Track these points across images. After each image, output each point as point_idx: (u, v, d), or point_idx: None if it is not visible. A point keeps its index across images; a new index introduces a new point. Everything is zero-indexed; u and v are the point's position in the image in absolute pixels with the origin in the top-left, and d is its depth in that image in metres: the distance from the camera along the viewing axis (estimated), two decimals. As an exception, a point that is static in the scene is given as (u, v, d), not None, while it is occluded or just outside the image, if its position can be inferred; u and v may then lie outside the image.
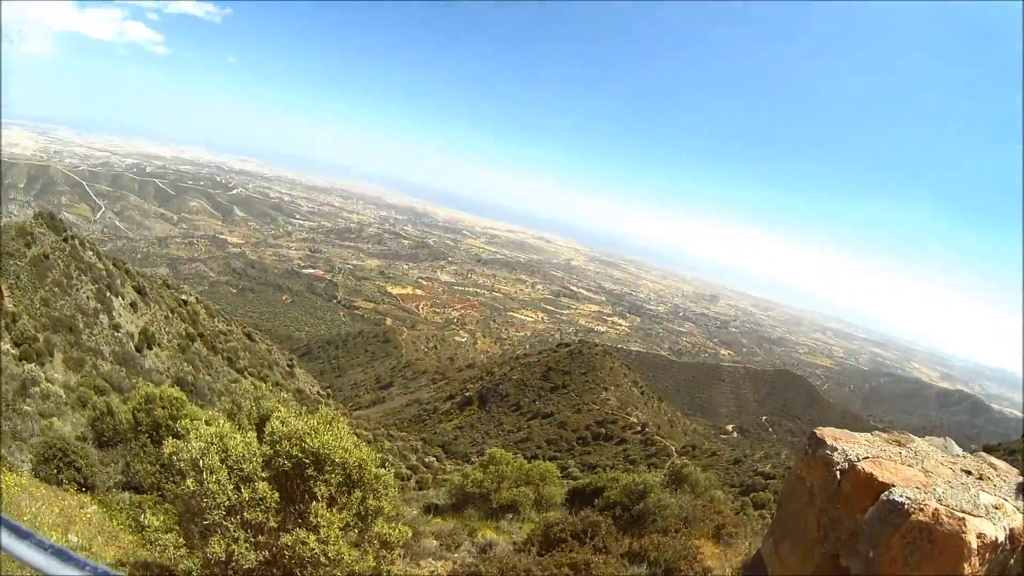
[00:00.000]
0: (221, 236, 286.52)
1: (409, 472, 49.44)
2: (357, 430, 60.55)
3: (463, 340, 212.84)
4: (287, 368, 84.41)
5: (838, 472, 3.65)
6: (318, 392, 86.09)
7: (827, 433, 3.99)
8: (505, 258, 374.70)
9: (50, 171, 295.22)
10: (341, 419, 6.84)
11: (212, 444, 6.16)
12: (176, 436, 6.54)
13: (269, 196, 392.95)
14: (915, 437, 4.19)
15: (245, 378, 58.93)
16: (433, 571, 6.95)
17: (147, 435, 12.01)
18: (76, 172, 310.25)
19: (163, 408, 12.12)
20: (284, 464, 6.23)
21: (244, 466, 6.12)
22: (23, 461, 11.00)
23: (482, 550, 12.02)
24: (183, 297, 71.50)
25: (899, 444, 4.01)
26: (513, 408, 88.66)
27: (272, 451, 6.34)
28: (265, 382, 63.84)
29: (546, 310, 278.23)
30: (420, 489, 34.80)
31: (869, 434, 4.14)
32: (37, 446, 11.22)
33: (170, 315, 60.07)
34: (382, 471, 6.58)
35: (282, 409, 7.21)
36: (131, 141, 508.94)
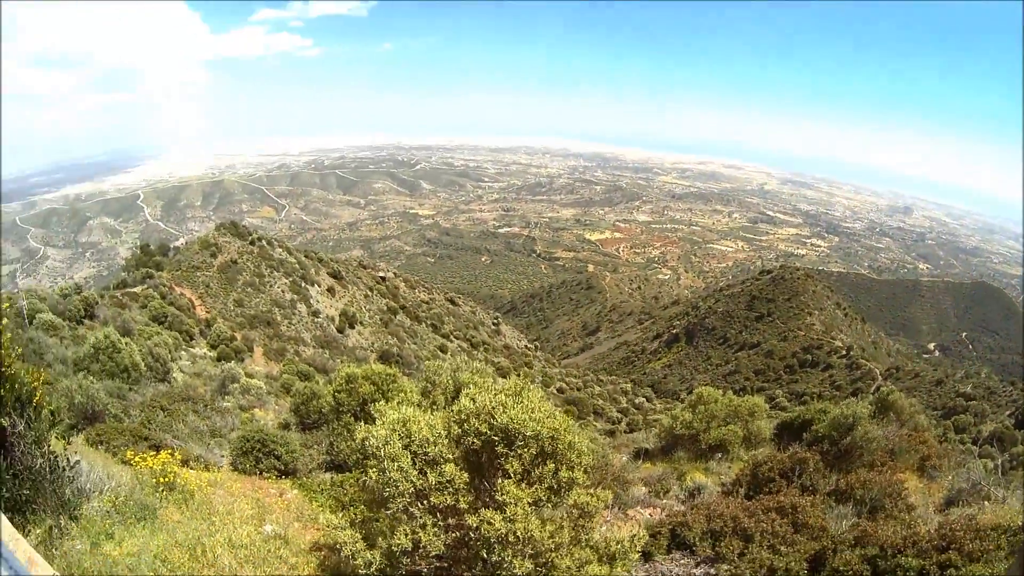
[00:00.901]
0: (411, 211, 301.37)
1: (620, 415, 50.19)
2: (567, 378, 62.28)
3: (666, 278, 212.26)
4: (493, 326, 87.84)
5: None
6: (525, 346, 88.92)
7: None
8: (699, 191, 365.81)
9: (224, 184, 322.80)
10: (531, 387, 6.53)
11: (395, 431, 6.21)
12: (369, 419, 6.71)
13: (454, 165, 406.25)
14: None
15: (451, 342, 61.83)
16: (635, 534, 6.71)
17: (350, 414, 12.63)
18: (252, 180, 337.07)
19: (368, 384, 12.79)
20: (474, 442, 6.11)
21: (429, 450, 6.11)
22: (222, 456, 12.04)
23: (690, 495, 12.00)
24: (380, 274, 75.97)
25: None
26: (720, 341, 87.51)
27: (460, 430, 6.25)
28: (472, 343, 66.56)
29: (745, 238, 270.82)
30: (630, 431, 35.35)
31: None
32: (235, 440, 12.09)
33: (369, 293, 64.24)
34: (576, 439, 6.23)
35: (473, 382, 7.14)
36: (304, 140, 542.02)
